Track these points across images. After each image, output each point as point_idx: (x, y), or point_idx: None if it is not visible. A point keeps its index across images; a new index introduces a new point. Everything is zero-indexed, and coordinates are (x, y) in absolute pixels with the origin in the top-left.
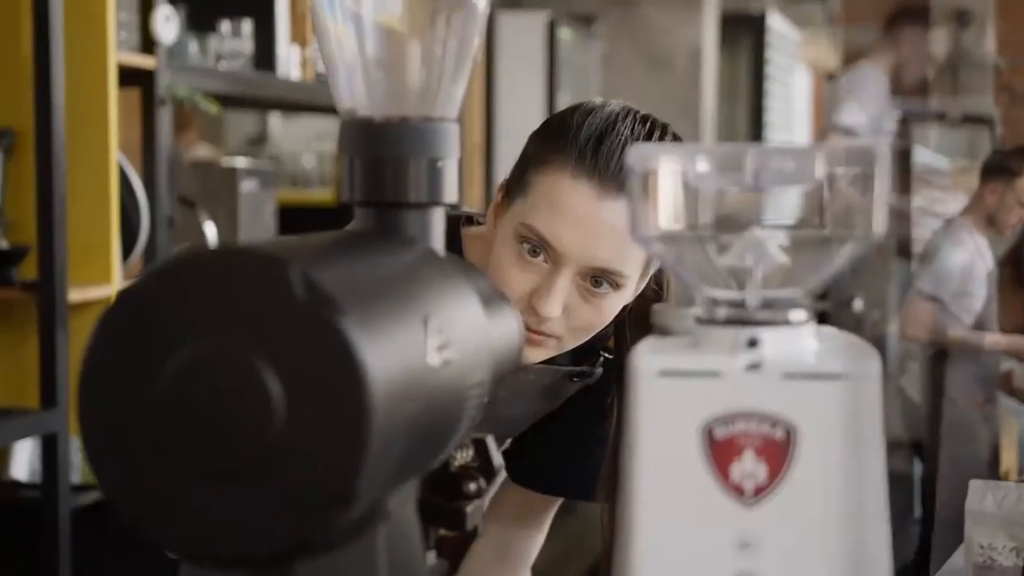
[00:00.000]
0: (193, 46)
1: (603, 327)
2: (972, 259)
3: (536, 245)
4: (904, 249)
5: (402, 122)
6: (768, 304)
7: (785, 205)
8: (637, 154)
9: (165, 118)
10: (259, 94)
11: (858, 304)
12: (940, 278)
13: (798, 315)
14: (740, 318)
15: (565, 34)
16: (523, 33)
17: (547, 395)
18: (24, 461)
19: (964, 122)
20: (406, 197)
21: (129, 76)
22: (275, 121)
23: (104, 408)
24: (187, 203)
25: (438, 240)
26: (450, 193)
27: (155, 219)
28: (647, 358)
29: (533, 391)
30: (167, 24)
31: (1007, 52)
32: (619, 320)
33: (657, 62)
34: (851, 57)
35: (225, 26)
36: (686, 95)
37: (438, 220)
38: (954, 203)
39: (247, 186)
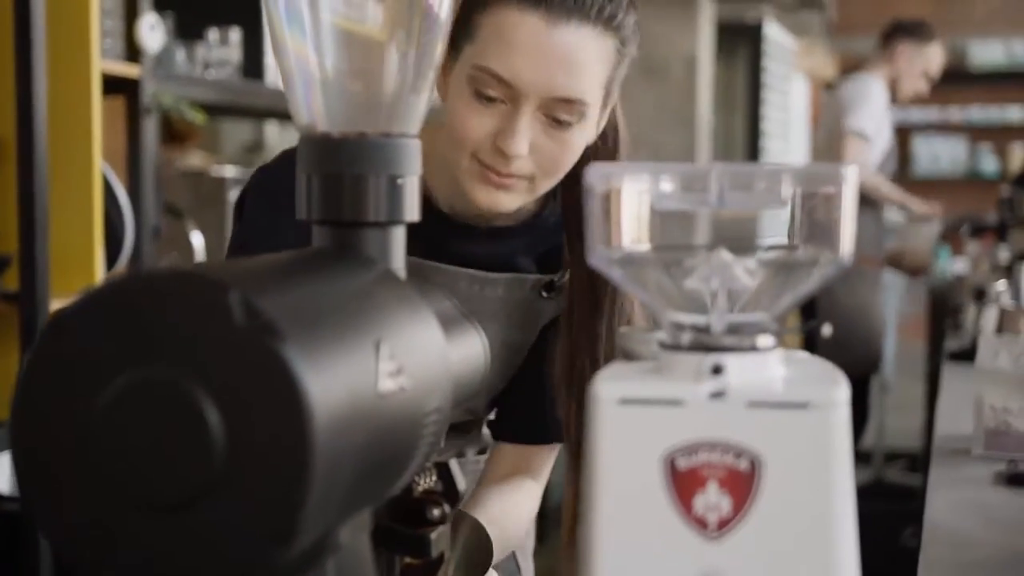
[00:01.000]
0: (180, 54)
1: (571, 164)
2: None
3: (491, 87)
4: None
5: (360, 138)
6: (734, 329)
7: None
8: (597, 173)
9: (150, 127)
10: (247, 103)
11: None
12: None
13: (765, 340)
14: (704, 344)
15: None
16: None
17: (521, 321)
18: (6, 474)
19: None
20: (365, 216)
21: (114, 84)
22: (271, 129)
23: (37, 436)
24: (174, 212)
25: (398, 260)
26: (411, 211)
27: (140, 229)
28: (607, 385)
29: (506, 314)
30: (152, 32)
31: None
32: (574, 184)
33: (652, 70)
34: (848, 66)
35: (213, 34)
36: (682, 104)
37: (398, 239)
38: None
39: (236, 195)
